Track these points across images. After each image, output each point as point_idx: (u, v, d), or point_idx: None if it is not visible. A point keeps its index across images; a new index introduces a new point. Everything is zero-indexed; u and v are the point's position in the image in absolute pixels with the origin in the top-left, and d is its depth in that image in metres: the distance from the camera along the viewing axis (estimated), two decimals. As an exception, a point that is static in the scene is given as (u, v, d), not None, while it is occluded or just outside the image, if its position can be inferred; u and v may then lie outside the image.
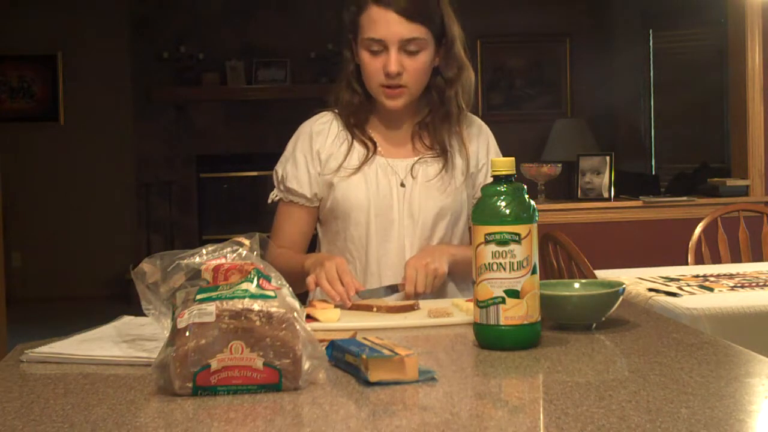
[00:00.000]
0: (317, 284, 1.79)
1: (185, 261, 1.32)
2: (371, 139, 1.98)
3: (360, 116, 1.99)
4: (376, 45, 1.88)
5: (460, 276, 1.97)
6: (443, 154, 1.98)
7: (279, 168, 2.03)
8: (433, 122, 1.98)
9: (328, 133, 2.00)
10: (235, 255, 1.32)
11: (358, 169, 1.95)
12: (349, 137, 1.98)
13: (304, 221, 2.02)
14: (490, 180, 1.98)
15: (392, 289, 1.88)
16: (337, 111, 2.02)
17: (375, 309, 1.73)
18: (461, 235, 2.02)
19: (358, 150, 1.98)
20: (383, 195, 1.95)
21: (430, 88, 1.97)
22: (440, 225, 1.97)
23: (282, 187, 2.01)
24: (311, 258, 1.92)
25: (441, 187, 1.97)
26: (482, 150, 2.04)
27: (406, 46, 1.88)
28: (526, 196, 1.44)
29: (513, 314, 1.40)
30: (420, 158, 1.98)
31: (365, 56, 1.90)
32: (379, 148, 1.99)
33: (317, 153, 1.99)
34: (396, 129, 2.00)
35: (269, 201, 2.06)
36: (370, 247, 1.95)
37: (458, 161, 2.00)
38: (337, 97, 2.01)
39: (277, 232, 2.04)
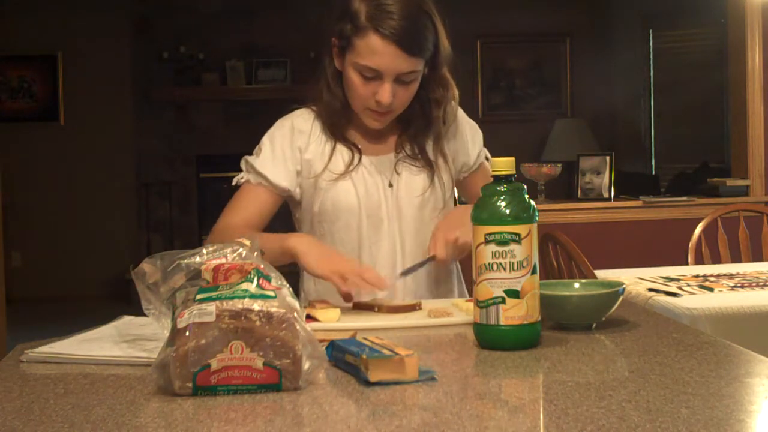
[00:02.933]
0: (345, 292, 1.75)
1: (185, 261, 1.32)
2: (355, 144, 1.96)
3: (341, 118, 1.96)
4: (370, 72, 1.83)
5: None
6: (428, 166, 1.97)
7: (253, 159, 1.97)
8: (416, 135, 1.97)
9: (310, 132, 1.96)
10: (235, 255, 1.32)
11: (345, 173, 1.93)
12: (332, 139, 1.96)
13: (268, 205, 1.97)
14: (480, 161, 2.06)
15: (425, 263, 1.87)
16: (314, 108, 1.99)
17: (376, 309, 1.73)
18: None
19: (342, 152, 1.95)
20: (372, 196, 1.94)
21: (413, 101, 1.93)
22: (429, 216, 1.97)
23: (252, 170, 1.95)
24: (294, 238, 1.83)
25: (425, 201, 1.97)
26: (473, 150, 2.06)
27: (402, 78, 1.84)
28: (526, 196, 1.44)
29: (513, 314, 1.40)
30: (400, 159, 1.97)
31: (355, 78, 1.86)
32: (361, 147, 1.97)
33: (298, 150, 1.95)
34: (376, 130, 1.98)
35: (234, 183, 1.99)
36: (362, 249, 1.94)
37: (444, 175, 1.99)
38: (317, 97, 1.97)
39: (236, 208, 1.95)
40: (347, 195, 1.93)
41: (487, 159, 2.11)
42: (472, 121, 2.10)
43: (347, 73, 1.88)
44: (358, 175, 1.94)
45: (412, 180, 1.97)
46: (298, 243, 1.80)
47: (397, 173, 1.96)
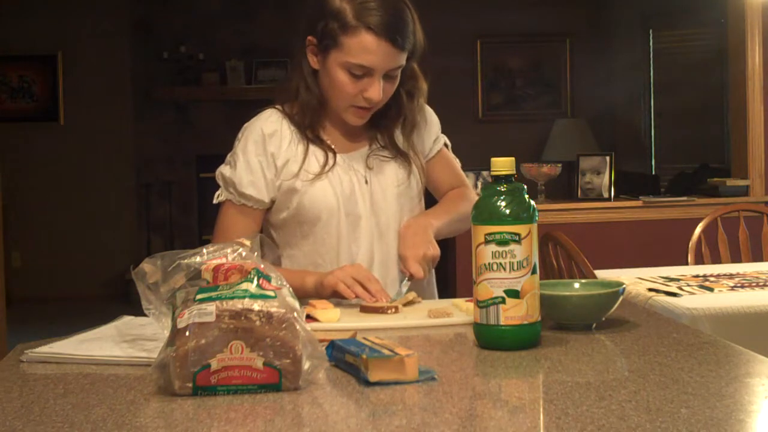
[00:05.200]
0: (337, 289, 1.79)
1: (186, 261, 1.32)
2: (329, 144, 1.95)
3: (316, 117, 1.95)
4: (360, 70, 1.83)
5: (446, 235, 2.01)
6: (401, 157, 1.98)
7: (227, 171, 1.96)
8: (388, 129, 1.98)
9: (281, 135, 1.94)
10: (235, 255, 1.32)
11: (321, 173, 1.92)
12: (305, 139, 1.94)
13: (255, 223, 1.96)
14: (437, 148, 2.07)
15: (406, 284, 1.89)
16: (281, 108, 1.97)
17: (390, 311, 1.72)
18: (420, 209, 2.04)
19: (316, 152, 1.94)
20: (348, 194, 1.93)
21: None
22: (404, 208, 1.98)
23: (233, 191, 1.94)
24: (313, 276, 1.86)
25: (405, 188, 1.98)
26: (427, 138, 2.06)
27: (390, 73, 1.85)
28: (526, 196, 1.44)
29: (513, 314, 1.40)
30: (373, 151, 1.98)
31: (342, 77, 1.85)
32: (334, 145, 1.96)
33: (272, 156, 1.93)
34: (349, 127, 1.98)
35: (215, 201, 1.99)
36: (341, 247, 1.93)
37: (416, 164, 2.01)
38: (291, 96, 1.95)
39: (225, 233, 1.94)
40: (325, 195, 1.92)
41: (446, 146, 2.12)
42: (428, 108, 2.09)
43: (332, 72, 1.87)
44: (333, 174, 1.93)
45: (386, 173, 1.97)
46: (320, 280, 1.83)
47: (370, 168, 1.96)
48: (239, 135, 1.97)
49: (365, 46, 1.81)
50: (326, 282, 1.81)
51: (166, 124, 7.67)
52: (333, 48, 1.85)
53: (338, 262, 1.92)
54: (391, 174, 1.97)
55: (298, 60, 1.94)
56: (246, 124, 1.98)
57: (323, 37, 1.86)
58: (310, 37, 1.89)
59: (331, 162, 1.93)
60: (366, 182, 1.95)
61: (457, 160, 2.15)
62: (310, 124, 1.95)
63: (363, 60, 1.82)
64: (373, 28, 1.80)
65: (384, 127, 1.98)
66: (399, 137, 2.00)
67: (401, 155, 1.99)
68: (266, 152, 1.93)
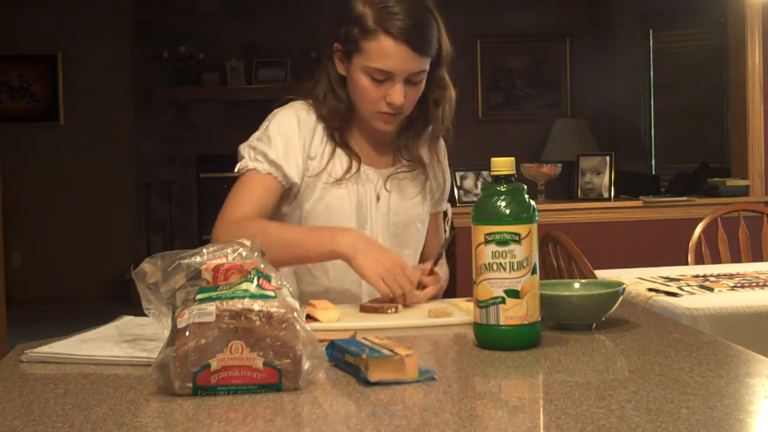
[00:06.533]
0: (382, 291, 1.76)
1: (186, 261, 1.32)
2: (355, 153, 1.95)
3: (344, 123, 1.95)
4: (381, 75, 1.83)
5: None
6: (422, 169, 1.99)
7: (256, 142, 1.91)
8: (414, 138, 1.98)
9: (314, 129, 1.94)
10: (235, 255, 1.32)
11: (342, 180, 1.92)
12: (332, 141, 1.94)
13: (276, 196, 1.91)
14: (441, 209, 2.10)
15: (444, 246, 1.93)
16: (311, 103, 1.96)
17: (390, 311, 1.72)
18: (424, 236, 2.06)
19: (341, 157, 1.94)
20: (361, 205, 1.94)
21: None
22: (411, 230, 2.00)
23: (262, 159, 1.89)
24: (343, 241, 1.76)
25: (417, 204, 1.99)
26: (443, 162, 2.09)
27: (411, 78, 1.85)
28: (526, 196, 1.44)
29: (513, 314, 1.40)
30: (396, 170, 1.98)
31: (364, 81, 1.85)
32: (360, 156, 1.96)
33: (303, 144, 1.92)
34: (377, 137, 1.98)
35: (238, 170, 1.93)
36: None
37: (433, 182, 2.02)
38: (318, 100, 1.95)
39: (247, 198, 1.88)
40: (340, 202, 1.92)
41: (445, 214, 2.14)
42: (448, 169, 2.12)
43: (355, 77, 1.87)
44: (352, 185, 1.93)
45: (403, 193, 1.98)
46: (348, 248, 1.75)
47: (387, 190, 1.97)
48: (269, 116, 1.96)
49: (384, 50, 1.81)
50: (368, 277, 1.74)
51: (166, 124, 7.67)
52: (355, 53, 1.85)
53: (334, 269, 1.92)
54: (408, 193, 1.99)
55: (325, 65, 1.94)
56: (277, 109, 1.97)
57: (346, 43, 1.87)
58: (336, 44, 1.90)
59: (354, 169, 1.93)
60: (378, 199, 1.96)
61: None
62: (339, 128, 1.95)
63: (382, 64, 1.82)
64: (391, 32, 1.80)
65: (410, 138, 1.98)
66: (424, 147, 2.00)
67: (421, 167, 1.99)
68: (301, 136, 1.92)
